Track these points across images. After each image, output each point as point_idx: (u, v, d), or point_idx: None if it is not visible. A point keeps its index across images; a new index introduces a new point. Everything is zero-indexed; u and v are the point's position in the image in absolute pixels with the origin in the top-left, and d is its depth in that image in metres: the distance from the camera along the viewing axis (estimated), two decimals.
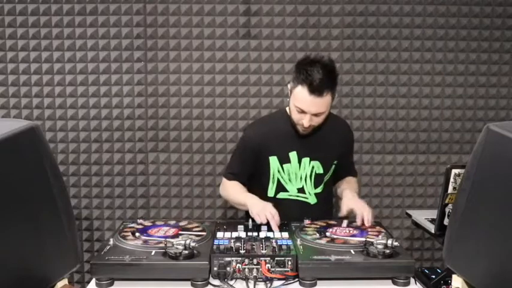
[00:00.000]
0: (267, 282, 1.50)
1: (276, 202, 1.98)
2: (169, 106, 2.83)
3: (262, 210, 1.86)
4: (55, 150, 2.81)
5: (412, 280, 1.53)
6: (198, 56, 2.80)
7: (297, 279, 1.52)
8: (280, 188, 2.10)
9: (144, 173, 2.88)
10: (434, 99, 2.88)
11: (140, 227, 1.84)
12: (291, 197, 2.09)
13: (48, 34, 2.76)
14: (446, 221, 2.08)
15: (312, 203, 2.10)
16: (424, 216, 2.52)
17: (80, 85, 2.80)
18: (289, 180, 2.09)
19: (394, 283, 1.52)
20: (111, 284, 1.52)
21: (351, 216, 1.94)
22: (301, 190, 2.09)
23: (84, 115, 2.82)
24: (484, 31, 2.83)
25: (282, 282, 1.51)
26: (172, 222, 1.90)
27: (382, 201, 2.94)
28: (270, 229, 1.81)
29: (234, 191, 2.11)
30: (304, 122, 1.92)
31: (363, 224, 1.84)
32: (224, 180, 2.18)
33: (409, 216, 2.69)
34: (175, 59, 2.80)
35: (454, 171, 2.05)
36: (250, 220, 1.88)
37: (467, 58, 2.85)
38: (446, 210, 2.09)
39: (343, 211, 1.94)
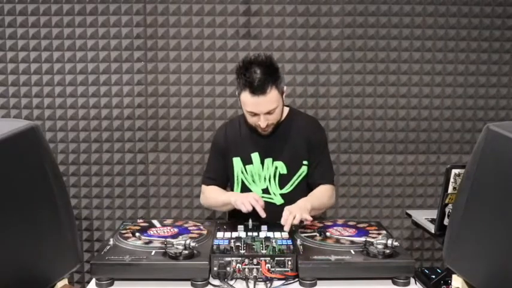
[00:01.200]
0: (267, 282, 1.50)
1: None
2: (169, 106, 2.83)
3: (245, 198, 1.86)
4: (55, 150, 2.81)
5: (412, 280, 1.53)
6: (198, 56, 2.80)
7: (297, 279, 1.52)
8: (245, 189, 2.09)
9: (144, 173, 2.88)
10: (434, 99, 2.88)
11: (140, 226, 1.84)
12: None
13: (48, 34, 2.76)
14: (446, 221, 2.08)
15: (278, 203, 2.06)
16: (424, 216, 2.52)
17: (80, 85, 2.80)
18: (253, 181, 2.08)
19: (394, 283, 1.52)
20: (111, 284, 1.52)
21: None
22: (265, 191, 2.07)
23: (84, 115, 2.82)
24: (484, 31, 2.83)
25: (282, 282, 1.51)
26: (172, 222, 1.90)
27: (382, 201, 2.94)
28: (270, 229, 1.81)
29: (214, 194, 2.11)
30: (261, 123, 1.93)
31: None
32: (203, 187, 2.18)
33: (409, 216, 2.69)
34: (175, 59, 2.80)
35: (454, 171, 2.05)
36: (250, 220, 1.89)
37: (467, 58, 2.85)
38: (446, 210, 2.09)
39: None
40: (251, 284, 1.48)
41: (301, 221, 1.89)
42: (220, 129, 2.22)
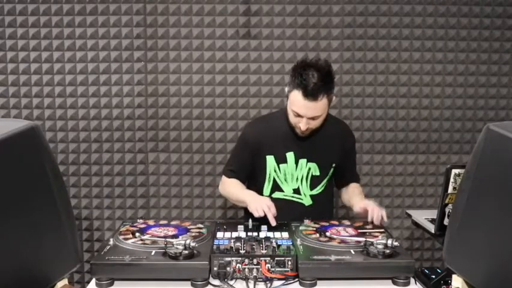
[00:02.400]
0: (267, 282, 1.50)
1: (272, 201, 1.99)
2: (169, 106, 2.83)
3: (259, 204, 1.87)
4: (55, 150, 2.81)
5: (412, 280, 1.53)
6: (198, 56, 2.80)
7: (297, 279, 1.52)
8: (276, 187, 2.10)
9: (144, 173, 2.88)
10: (434, 99, 2.88)
11: (140, 227, 1.84)
12: (286, 197, 2.10)
13: (48, 34, 2.76)
14: (446, 221, 2.08)
15: (307, 204, 2.10)
16: (424, 216, 2.52)
17: (80, 85, 2.80)
18: (285, 180, 2.10)
19: (394, 283, 1.52)
20: (111, 284, 1.52)
21: (359, 216, 1.97)
22: (296, 191, 2.09)
23: (84, 115, 2.82)
24: (484, 31, 2.83)
25: (282, 282, 1.51)
26: (172, 222, 1.90)
27: (382, 201, 2.94)
28: (270, 229, 1.81)
29: (233, 188, 2.13)
30: (301, 125, 1.93)
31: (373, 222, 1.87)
32: (223, 178, 2.19)
33: (409, 216, 2.69)
34: (175, 59, 2.80)
35: (454, 171, 2.05)
36: (250, 220, 1.89)
37: (467, 58, 2.85)
38: (446, 210, 2.09)
39: (357, 209, 1.98)
40: (251, 284, 1.48)
41: (301, 220, 1.90)
42: (253, 125, 2.22)
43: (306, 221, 1.90)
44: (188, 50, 2.80)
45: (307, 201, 2.10)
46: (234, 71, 2.81)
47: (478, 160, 1.26)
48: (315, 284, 1.50)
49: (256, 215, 1.86)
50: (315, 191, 2.10)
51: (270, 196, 2.09)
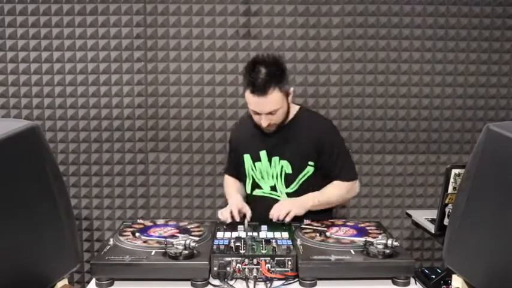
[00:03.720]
0: (267, 282, 1.50)
1: (253, 199, 2.10)
2: (169, 106, 2.83)
3: (224, 210, 1.97)
4: (55, 150, 2.81)
5: (412, 280, 1.53)
6: (198, 56, 2.80)
7: (297, 279, 1.52)
8: (255, 185, 2.12)
9: (144, 173, 2.88)
10: (434, 99, 2.88)
11: (140, 227, 1.84)
12: (264, 194, 2.11)
13: (48, 34, 2.76)
14: (446, 221, 2.08)
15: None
16: (424, 216, 2.52)
17: (80, 85, 2.80)
18: (262, 177, 2.10)
19: (394, 283, 1.52)
20: (111, 284, 1.52)
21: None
22: (273, 188, 2.09)
23: (84, 115, 2.82)
24: (484, 31, 2.83)
25: (282, 282, 1.51)
26: (172, 222, 1.90)
27: (382, 201, 2.94)
28: (270, 229, 1.81)
29: (227, 189, 2.25)
30: (262, 122, 1.95)
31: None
32: (225, 175, 2.31)
33: (409, 216, 2.69)
34: (175, 59, 2.80)
35: (454, 171, 2.06)
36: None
37: (467, 58, 2.85)
38: (446, 210, 2.09)
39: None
40: (251, 284, 1.48)
41: (301, 220, 1.90)
42: (234, 125, 2.37)
43: (306, 221, 1.90)
44: (188, 50, 2.80)
45: (284, 199, 2.07)
46: (234, 71, 2.81)
47: (478, 160, 1.25)
48: (315, 284, 1.50)
49: (222, 219, 1.95)
50: (290, 189, 2.07)
51: (251, 194, 2.14)
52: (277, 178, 2.08)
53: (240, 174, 2.21)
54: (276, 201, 2.05)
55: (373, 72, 2.85)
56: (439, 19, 2.81)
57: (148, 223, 1.88)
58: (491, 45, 2.84)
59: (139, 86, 2.82)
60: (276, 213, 1.92)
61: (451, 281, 1.46)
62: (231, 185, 2.23)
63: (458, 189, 1.39)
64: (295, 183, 2.06)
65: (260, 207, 1.99)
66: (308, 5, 2.78)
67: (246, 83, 1.91)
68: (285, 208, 1.92)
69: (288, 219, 1.90)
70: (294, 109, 2.09)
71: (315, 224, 1.88)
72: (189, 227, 1.84)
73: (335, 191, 2.07)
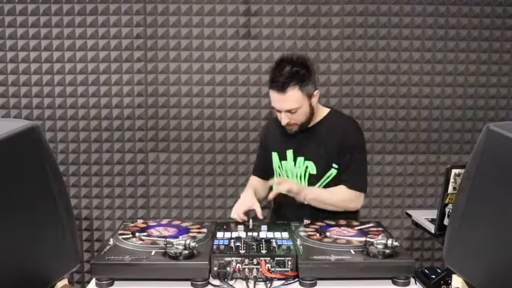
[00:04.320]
0: (267, 282, 1.50)
1: (279, 196, 2.07)
2: (169, 106, 2.83)
3: (234, 209, 1.98)
4: (55, 150, 2.81)
5: (412, 280, 1.53)
6: (198, 56, 2.80)
7: (297, 279, 1.52)
8: None
9: (144, 173, 2.88)
10: (434, 99, 2.88)
11: (140, 227, 1.84)
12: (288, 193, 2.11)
13: (48, 34, 2.76)
14: (446, 221, 2.08)
15: (306, 202, 2.07)
16: (424, 216, 2.52)
17: (80, 85, 2.80)
18: (287, 176, 2.12)
19: (394, 283, 1.52)
20: (111, 284, 1.52)
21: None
22: None
23: (84, 115, 2.82)
24: (484, 31, 2.83)
25: (282, 282, 1.51)
26: (172, 222, 1.90)
27: (382, 201, 2.94)
28: (270, 229, 1.81)
29: (247, 185, 2.26)
30: (282, 120, 1.98)
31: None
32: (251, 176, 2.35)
33: (409, 216, 2.70)
34: (175, 59, 2.80)
35: (454, 171, 2.06)
36: (250, 220, 1.89)
37: (467, 58, 2.85)
38: (446, 210, 2.09)
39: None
40: (251, 284, 1.48)
41: (301, 220, 1.90)
42: (265, 124, 2.39)
43: (306, 221, 1.90)
44: (188, 50, 2.80)
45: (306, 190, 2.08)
46: (234, 71, 2.81)
47: (478, 160, 1.26)
48: (315, 284, 1.50)
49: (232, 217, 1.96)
50: None
51: None
52: (301, 178, 2.09)
53: (266, 175, 2.23)
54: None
55: (373, 72, 2.85)
56: (439, 19, 2.81)
57: (148, 223, 1.89)
58: (491, 45, 2.84)
59: (139, 86, 2.82)
60: (278, 180, 1.99)
61: (451, 281, 1.46)
62: (250, 183, 2.27)
63: (458, 189, 1.39)
64: (318, 184, 2.07)
65: (284, 205, 2.09)
66: (308, 5, 2.78)
67: (269, 80, 1.96)
68: (288, 183, 1.97)
69: (282, 190, 1.95)
70: (323, 111, 2.11)
71: (315, 224, 1.88)
72: (189, 227, 1.84)
73: (336, 194, 2.02)
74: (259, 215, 1.94)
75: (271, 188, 2.15)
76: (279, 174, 2.15)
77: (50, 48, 2.77)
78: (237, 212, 1.94)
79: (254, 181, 2.28)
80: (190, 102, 2.83)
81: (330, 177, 2.07)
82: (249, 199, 2.02)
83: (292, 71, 1.90)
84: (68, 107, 2.82)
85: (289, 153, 2.10)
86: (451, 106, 2.88)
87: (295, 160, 2.09)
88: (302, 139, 2.07)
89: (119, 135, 2.85)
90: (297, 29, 2.79)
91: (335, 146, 2.04)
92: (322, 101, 2.83)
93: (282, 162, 2.12)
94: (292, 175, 2.10)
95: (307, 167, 2.07)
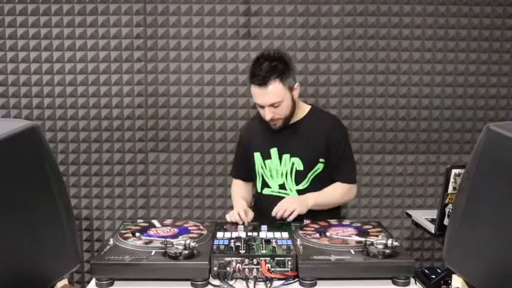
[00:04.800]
0: (267, 282, 1.50)
1: (262, 198, 2.13)
2: (169, 106, 2.83)
3: (231, 214, 1.97)
4: (55, 150, 2.81)
5: (412, 280, 1.53)
6: (198, 56, 2.80)
7: (297, 279, 1.52)
8: (264, 184, 2.15)
9: (144, 173, 2.88)
10: (434, 99, 2.88)
11: (140, 226, 1.84)
12: (273, 193, 2.12)
13: (48, 34, 2.76)
14: (446, 221, 2.08)
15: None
16: (424, 216, 2.52)
17: (80, 85, 2.80)
18: (271, 176, 2.12)
19: (394, 283, 1.52)
20: (111, 284, 1.52)
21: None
22: (282, 186, 2.11)
23: (84, 115, 2.82)
24: (484, 31, 2.83)
25: (282, 282, 1.51)
26: (172, 222, 1.90)
27: (382, 201, 2.94)
28: (270, 229, 1.81)
29: (232, 194, 2.27)
30: (266, 115, 2.00)
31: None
32: (232, 178, 2.33)
33: (409, 216, 2.69)
34: (175, 59, 2.80)
35: (454, 171, 2.06)
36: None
37: (467, 58, 2.85)
38: (446, 210, 2.09)
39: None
40: (251, 284, 1.48)
41: (301, 220, 1.90)
42: (244, 125, 2.41)
43: (306, 221, 1.90)
44: (188, 50, 2.80)
45: (287, 197, 2.08)
46: (234, 71, 2.81)
47: (478, 160, 1.26)
48: (315, 284, 1.50)
49: (229, 220, 1.96)
50: (301, 186, 2.09)
51: (261, 192, 2.16)
52: (286, 176, 2.09)
53: (249, 177, 2.24)
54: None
55: (373, 72, 2.85)
56: (439, 19, 2.81)
57: (148, 223, 1.89)
58: (491, 45, 2.84)
59: (139, 86, 2.82)
60: (281, 211, 1.92)
61: (451, 281, 1.46)
62: (236, 191, 2.25)
63: (458, 189, 1.39)
64: (306, 180, 2.09)
65: (269, 206, 2.01)
66: (308, 5, 2.78)
67: (249, 77, 1.99)
68: (290, 207, 1.92)
69: (291, 218, 1.91)
70: (305, 108, 2.15)
71: (315, 224, 1.88)
72: (189, 227, 1.84)
73: (334, 193, 2.09)
74: (249, 220, 1.95)
75: (260, 191, 2.16)
76: (262, 175, 2.14)
77: (50, 48, 2.77)
78: (240, 215, 1.92)
79: (238, 187, 2.26)
80: (190, 102, 2.83)
81: (317, 172, 2.09)
82: (244, 205, 2.05)
83: (271, 65, 1.94)
84: (68, 107, 2.82)
85: (274, 151, 2.10)
86: (451, 106, 2.88)
87: (280, 158, 2.09)
88: (286, 136, 2.08)
89: (119, 135, 2.85)
90: (297, 29, 2.79)
91: (322, 142, 2.07)
92: (322, 101, 2.84)
93: (266, 161, 2.12)
94: (277, 173, 2.11)
95: (293, 164, 2.08)
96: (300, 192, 2.09)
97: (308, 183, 2.09)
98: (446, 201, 2.08)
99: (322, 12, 2.79)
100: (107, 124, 2.83)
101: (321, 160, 2.09)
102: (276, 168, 2.10)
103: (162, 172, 2.89)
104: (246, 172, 2.23)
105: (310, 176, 2.09)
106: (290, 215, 1.92)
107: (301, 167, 2.08)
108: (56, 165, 1.29)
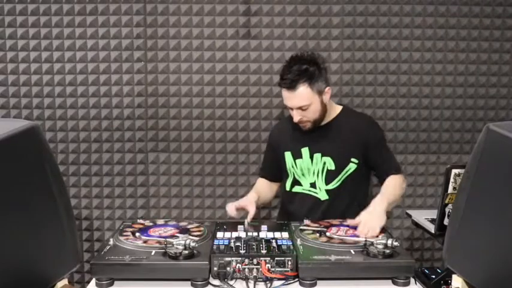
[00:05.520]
0: (267, 282, 1.50)
1: (292, 195, 2.15)
2: (169, 106, 2.83)
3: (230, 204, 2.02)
4: (55, 150, 2.81)
5: (412, 280, 1.53)
6: (198, 56, 2.80)
7: (297, 279, 1.52)
8: (295, 182, 2.18)
9: (144, 173, 2.88)
10: (434, 99, 2.88)
11: (140, 226, 1.84)
12: (304, 191, 2.15)
13: (48, 34, 2.76)
14: (446, 221, 2.08)
15: (322, 199, 2.12)
16: (424, 216, 2.52)
17: (80, 85, 2.80)
18: (302, 175, 2.14)
19: (394, 283, 1.52)
20: (111, 284, 1.52)
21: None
22: (313, 185, 2.13)
23: (84, 115, 2.82)
24: (484, 31, 2.83)
25: (282, 282, 1.51)
26: (172, 222, 1.90)
27: None
28: (270, 229, 1.81)
29: (253, 187, 2.27)
30: (294, 117, 2.03)
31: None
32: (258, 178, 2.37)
33: (409, 216, 2.69)
34: (175, 59, 2.80)
35: (454, 171, 2.06)
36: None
37: (467, 58, 2.85)
38: (446, 210, 2.09)
39: (355, 221, 1.83)
40: (251, 284, 1.48)
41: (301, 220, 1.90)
42: (274, 126, 2.43)
43: (306, 221, 1.90)
44: (188, 50, 2.80)
45: (322, 196, 2.11)
46: (234, 71, 2.81)
47: (478, 160, 1.26)
48: (315, 284, 1.50)
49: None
50: (331, 186, 2.11)
51: (290, 190, 2.19)
52: (318, 175, 2.11)
53: (273, 177, 2.27)
54: (314, 197, 2.11)
55: (373, 72, 2.85)
56: (439, 19, 2.81)
57: (148, 223, 1.89)
58: (491, 45, 2.84)
59: (139, 86, 2.82)
60: (366, 231, 1.73)
61: (451, 281, 1.46)
62: (255, 186, 2.28)
63: (458, 189, 1.39)
64: (336, 179, 2.10)
65: (298, 203, 2.11)
66: (308, 5, 2.78)
67: (279, 79, 2.01)
68: (375, 226, 1.74)
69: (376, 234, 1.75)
70: (337, 109, 2.17)
71: (315, 224, 1.88)
72: (189, 227, 1.84)
73: (396, 188, 2.03)
74: (248, 218, 1.93)
75: (289, 189, 2.18)
76: (293, 174, 2.16)
77: (50, 48, 2.77)
78: (229, 206, 1.99)
79: (260, 183, 2.29)
80: (190, 102, 2.83)
81: (349, 172, 2.10)
82: (246, 199, 2.05)
83: (301, 69, 1.95)
84: (68, 107, 2.81)
85: (305, 150, 2.12)
86: (451, 106, 2.88)
87: (311, 157, 2.11)
88: (317, 136, 2.10)
89: (119, 135, 2.85)
90: (297, 29, 2.79)
91: (355, 142, 2.09)
92: None
93: (297, 160, 2.14)
94: (308, 173, 2.12)
95: (324, 163, 2.09)
96: (329, 192, 2.10)
97: (338, 183, 2.10)
98: (446, 201, 2.08)
99: (322, 12, 2.79)
100: (107, 124, 2.83)
101: (353, 160, 2.09)
102: (308, 167, 2.12)
103: (162, 172, 2.89)
104: (273, 172, 2.27)
105: (342, 175, 2.10)
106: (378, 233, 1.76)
107: (332, 167, 2.09)
108: (56, 165, 1.29)
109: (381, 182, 2.10)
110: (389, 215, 2.93)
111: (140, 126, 2.84)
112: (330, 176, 2.11)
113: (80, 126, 2.83)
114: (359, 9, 2.79)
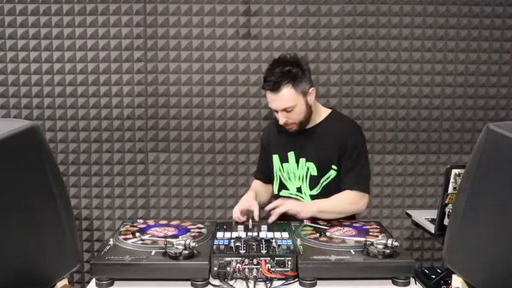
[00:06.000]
0: (267, 282, 1.50)
1: (279, 199, 2.07)
2: (169, 106, 2.83)
3: (234, 209, 1.98)
4: (55, 150, 2.81)
5: (412, 280, 1.53)
6: (198, 56, 2.80)
7: (297, 279, 1.52)
8: (282, 186, 2.15)
9: (144, 173, 2.88)
10: (434, 99, 2.88)
11: (140, 227, 1.84)
12: (291, 195, 2.12)
13: (48, 34, 2.76)
14: (446, 221, 2.08)
15: (306, 222, 2.06)
16: (424, 216, 2.52)
17: (80, 85, 2.80)
18: (289, 179, 2.13)
19: (394, 283, 1.52)
20: (111, 284, 1.52)
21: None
22: (299, 190, 2.11)
23: (84, 115, 2.82)
24: (484, 31, 2.83)
25: (282, 282, 1.51)
26: (172, 222, 1.90)
27: (382, 201, 2.94)
28: (270, 229, 1.81)
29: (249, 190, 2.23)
30: (280, 119, 2.01)
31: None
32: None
33: (409, 216, 2.69)
34: (175, 59, 2.80)
35: (454, 171, 2.06)
36: (250, 220, 1.90)
37: (467, 58, 2.85)
38: (446, 210, 2.09)
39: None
40: (251, 284, 1.48)
41: (301, 220, 1.90)
42: (266, 127, 2.41)
43: (306, 221, 1.90)
44: (188, 50, 2.80)
45: (307, 201, 2.08)
46: (234, 71, 2.81)
47: (478, 160, 1.26)
48: (315, 284, 1.50)
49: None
50: (314, 191, 2.08)
51: (278, 194, 2.16)
52: (303, 180, 2.09)
53: (268, 179, 2.24)
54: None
55: (373, 72, 2.85)
56: (439, 19, 2.81)
57: (148, 223, 1.89)
58: (491, 45, 2.84)
59: (139, 86, 2.82)
60: (278, 204, 1.91)
61: (451, 281, 1.46)
62: (252, 186, 2.26)
63: (458, 189, 1.39)
64: (318, 186, 2.07)
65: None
66: (308, 5, 2.78)
67: (263, 81, 2.00)
68: (289, 206, 1.91)
69: (273, 217, 1.90)
70: (325, 112, 2.13)
71: (315, 224, 1.88)
72: (189, 227, 1.84)
73: (341, 201, 1.99)
74: (256, 217, 1.93)
75: (277, 193, 2.17)
76: (280, 177, 2.14)
77: (50, 48, 2.77)
78: (234, 212, 1.95)
79: (256, 184, 2.28)
80: (190, 102, 2.83)
81: (329, 179, 2.06)
82: (247, 200, 2.03)
83: (283, 70, 1.93)
84: (68, 107, 2.81)
85: (291, 155, 2.10)
86: (451, 106, 2.88)
87: (297, 162, 2.09)
88: (303, 140, 2.07)
89: (119, 135, 2.85)
90: (297, 29, 2.79)
91: (335, 147, 2.03)
92: (322, 101, 2.84)
93: (284, 164, 2.12)
94: (294, 177, 2.10)
95: (308, 168, 2.07)
96: (313, 197, 2.07)
97: (320, 189, 2.06)
98: (446, 201, 2.08)
99: (322, 12, 2.79)
100: (107, 124, 2.83)
101: (333, 167, 2.04)
102: (294, 172, 2.10)
103: (162, 172, 2.89)
104: (265, 173, 2.24)
105: (323, 182, 2.06)
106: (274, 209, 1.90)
107: (315, 172, 2.06)
108: (56, 165, 1.30)
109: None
110: (389, 215, 2.94)
111: (140, 126, 2.85)
112: (313, 182, 2.06)
113: (80, 126, 2.83)
114: (359, 9, 2.79)
